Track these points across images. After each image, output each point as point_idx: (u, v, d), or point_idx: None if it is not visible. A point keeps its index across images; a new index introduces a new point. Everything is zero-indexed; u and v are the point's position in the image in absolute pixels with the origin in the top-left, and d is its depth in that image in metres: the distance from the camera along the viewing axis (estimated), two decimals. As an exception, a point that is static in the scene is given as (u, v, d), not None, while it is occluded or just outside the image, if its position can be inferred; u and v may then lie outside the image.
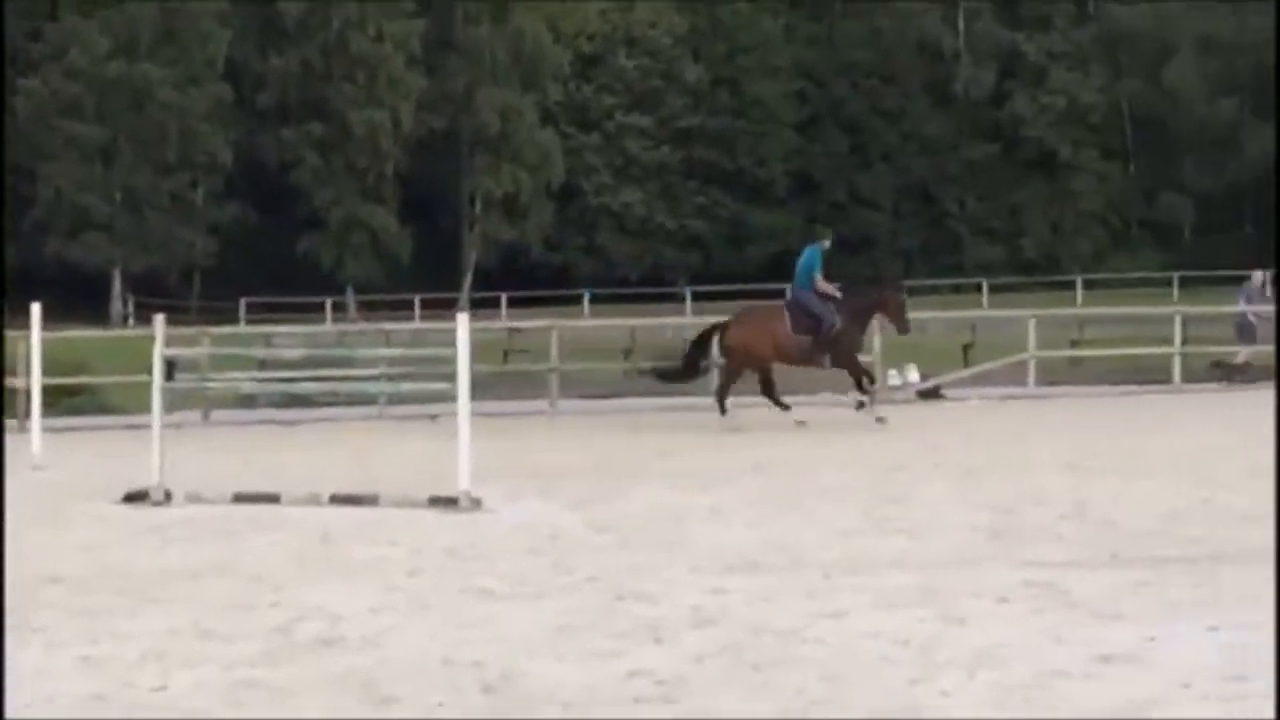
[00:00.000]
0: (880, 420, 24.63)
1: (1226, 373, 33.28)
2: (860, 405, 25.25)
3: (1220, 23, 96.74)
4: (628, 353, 40.61)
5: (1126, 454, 20.22)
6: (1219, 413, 26.58)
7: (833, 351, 25.75)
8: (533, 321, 41.12)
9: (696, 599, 11.08)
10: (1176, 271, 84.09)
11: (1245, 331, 34.77)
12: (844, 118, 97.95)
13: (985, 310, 63.52)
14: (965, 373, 33.42)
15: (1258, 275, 36.83)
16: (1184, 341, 33.39)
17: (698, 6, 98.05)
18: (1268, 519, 13.89)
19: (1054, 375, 33.13)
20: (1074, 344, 37.86)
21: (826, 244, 26.47)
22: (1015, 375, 31.99)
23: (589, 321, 59.72)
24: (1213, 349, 35.69)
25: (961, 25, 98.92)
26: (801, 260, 25.99)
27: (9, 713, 8.49)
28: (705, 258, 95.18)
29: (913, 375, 32.83)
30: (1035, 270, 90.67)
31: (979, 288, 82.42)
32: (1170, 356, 32.90)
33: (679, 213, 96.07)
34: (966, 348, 38.65)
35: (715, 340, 26.41)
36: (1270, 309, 34.99)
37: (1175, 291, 79.96)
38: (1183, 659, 9.13)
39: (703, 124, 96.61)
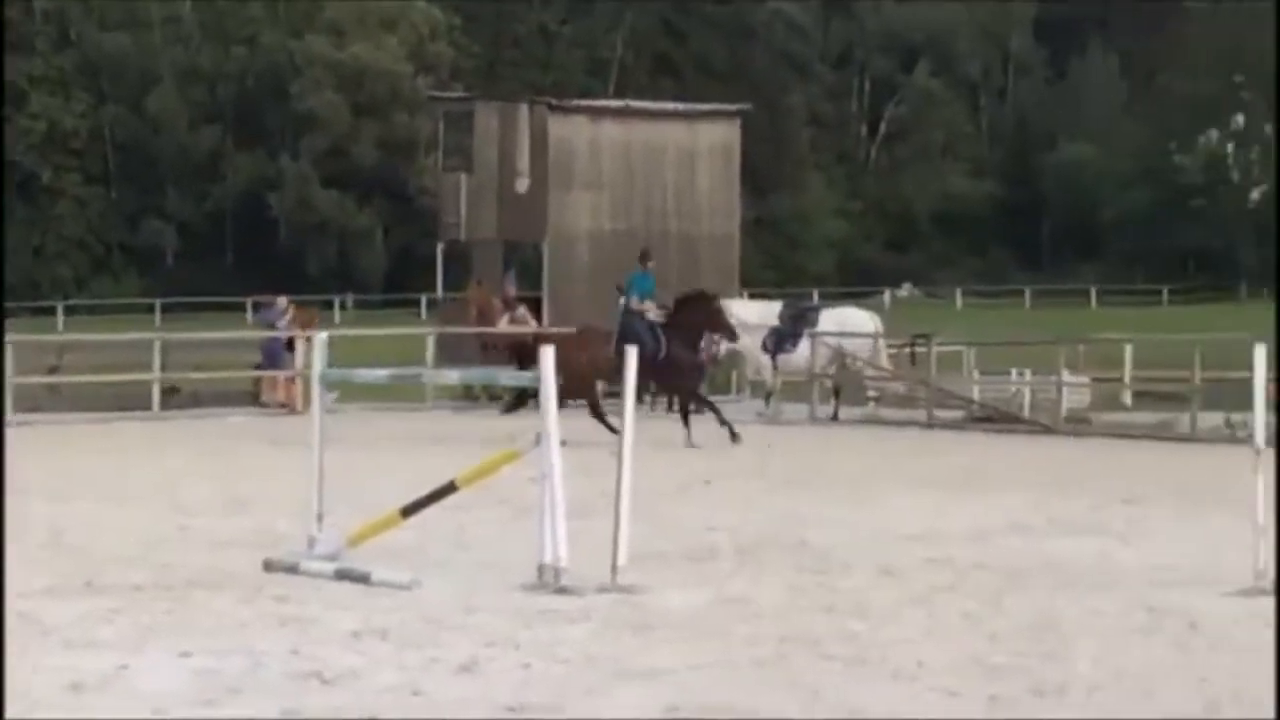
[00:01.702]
0: (694, 445, 24.39)
1: (166, 396, 33.67)
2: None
3: (199, 54, 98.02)
4: None
5: (105, 480, 19.99)
6: (187, 439, 26.72)
7: (656, 377, 25.45)
8: None
9: None
10: (160, 298, 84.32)
11: (274, 355, 34.96)
12: None
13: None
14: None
15: (282, 300, 37.15)
16: (164, 368, 33.40)
17: None
18: (242, 544, 14.01)
19: (33, 402, 32.40)
20: (52, 370, 37.12)
21: (650, 265, 26.33)
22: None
23: None
24: (242, 373, 35.98)
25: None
26: (627, 286, 25.75)
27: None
28: None
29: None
30: (17, 296, 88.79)
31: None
32: (152, 383, 32.82)
33: None
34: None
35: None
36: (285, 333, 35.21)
37: (157, 318, 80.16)
38: (155, 686, 9.01)
39: None
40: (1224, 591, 11.78)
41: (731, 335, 27.72)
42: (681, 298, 26.98)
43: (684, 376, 26.03)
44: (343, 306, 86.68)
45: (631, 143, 39.71)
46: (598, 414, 25.58)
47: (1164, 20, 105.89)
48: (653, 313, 26.13)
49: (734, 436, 25.02)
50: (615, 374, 26.27)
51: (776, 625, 10.69)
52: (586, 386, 25.86)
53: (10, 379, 31.22)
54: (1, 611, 10.51)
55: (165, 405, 32.84)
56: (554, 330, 34.72)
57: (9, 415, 30.14)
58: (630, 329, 25.67)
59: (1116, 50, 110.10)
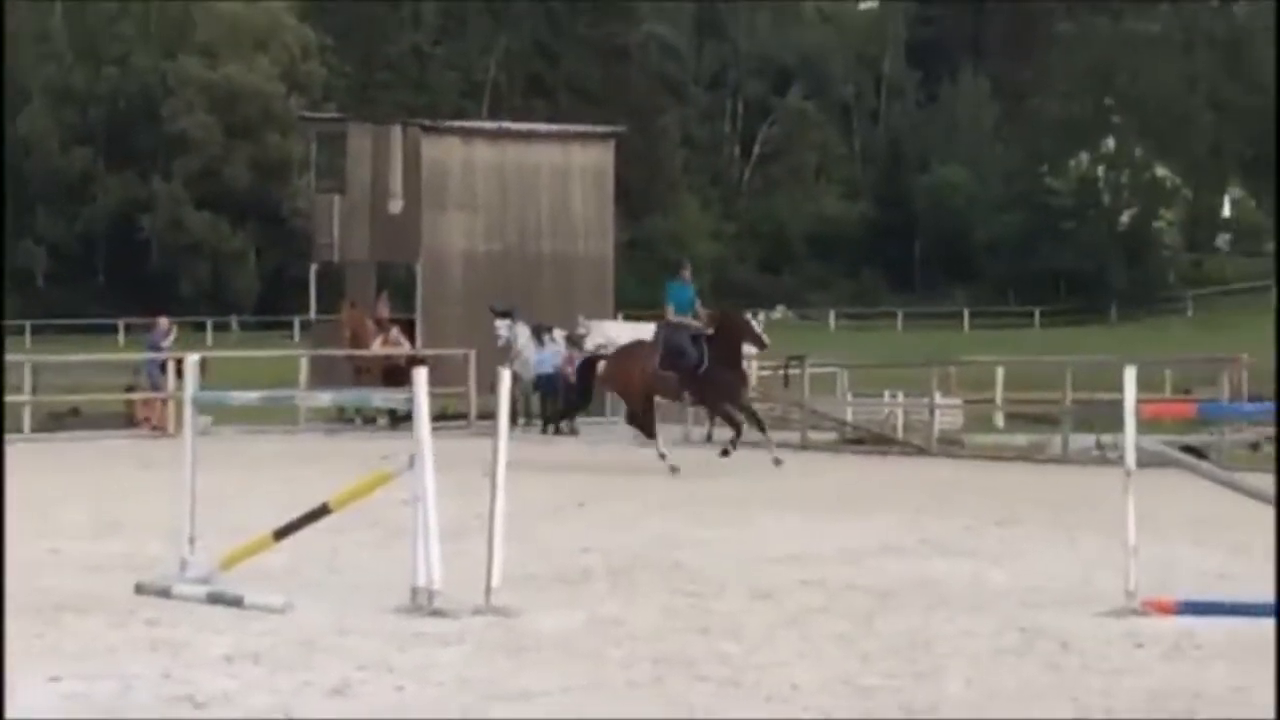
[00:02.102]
0: (778, 462, 24.03)
1: (57, 421, 33.48)
2: (725, 452, 24.48)
3: (71, 74, 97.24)
4: None
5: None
6: (60, 462, 26.43)
7: (696, 389, 24.90)
8: None
9: None
10: (30, 320, 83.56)
11: (154, 376, 34.67)
12: None
13: None
14: None
15: (163, 321, 36.86)
16: (35, 390, 33.17)
17: None
18: (113, 568, 13.88)
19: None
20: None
21: (686, 274, 25.50)
22: None
23: None
24: (116, 396, 35.77)
25: None
26: (670, 296, 25.17)
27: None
28: None
29: None
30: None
31: None
32: (23, 405, 32.50)
33: None
34: None
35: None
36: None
37: (28, 339, 79.36)
38: (25, 710, 8.91)
39: None
40: (1096, 612, 11.89)
41: (757, 338, 26.29)
42: (720, 314, 26.49)
43: (724, 390, 25.30)
44: (225, 328, 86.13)
45: (505, 164, 39.68)
46: (634, 421, 25.81)
47: (1035, 44, 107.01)
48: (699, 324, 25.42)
49: (725, 453, 24.69)
50: (662, 386, 25.82)
51: (650, 647, 10.70)
52: (637, 400, 25.63)
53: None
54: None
55: (64, 427, 32.80)
56: (429, 352, 34.64)
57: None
58: (673, 341, 25.16)
59: (988, 74, 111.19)
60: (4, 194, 79.71)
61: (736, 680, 9.74)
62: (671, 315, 25.52)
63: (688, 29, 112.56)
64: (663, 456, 24.50)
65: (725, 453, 24.73)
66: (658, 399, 25.72)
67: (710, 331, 25.25)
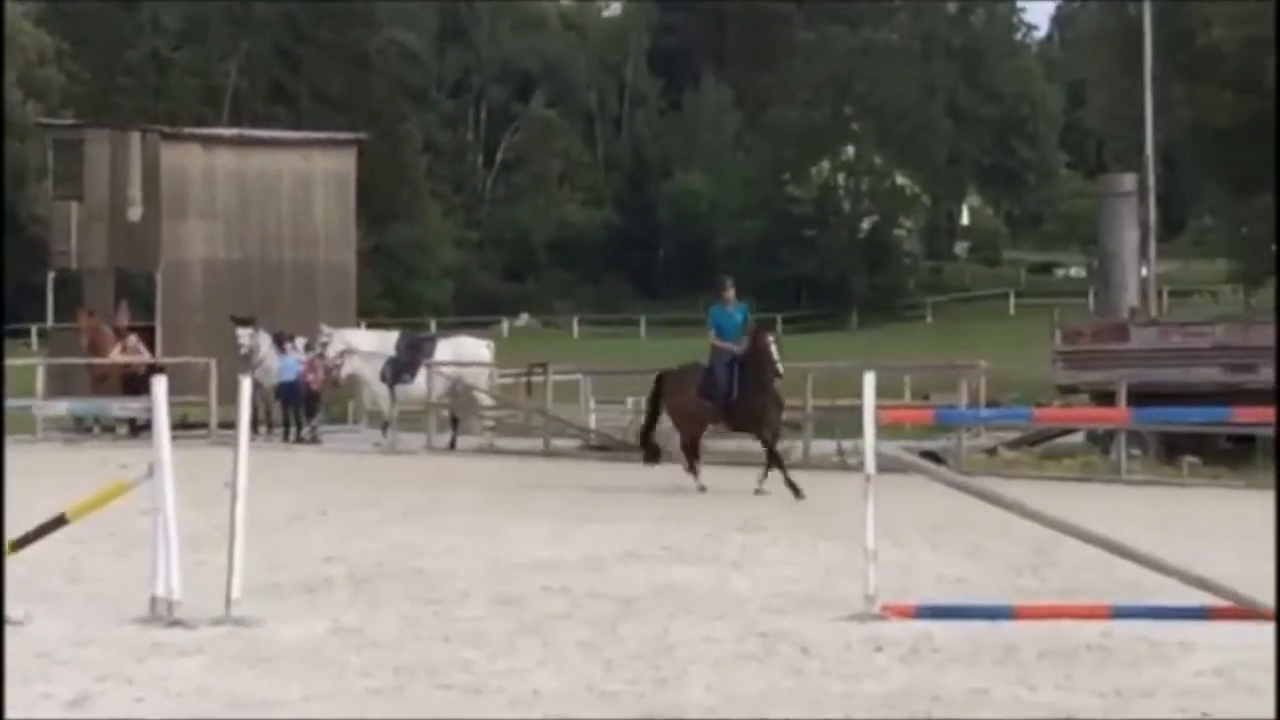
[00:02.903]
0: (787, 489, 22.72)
1: None
2: (758, 488, 23.04)
3: None
4: None
5: None
6: None
7: (727, 418, 23.79)
8: None
9: None
10: None
11: None
12: None
13: None
14: None
15: None
16: None
17: None
18: None
19: None
20: None
21: (729, 294, 24.16)
22: None
23: None
24: None
25: None
26: (712, 320, 24.08)
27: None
28: None
29: None
30: None
31: None
32: None
33: None
34: None
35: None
36: None
37: None
38: None
39: None
40: (836, 616, 12.03)
41: (775, 374, 24.27)
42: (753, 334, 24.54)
43: (753, 419, 23.91)
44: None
45: (246, 171, 39.31)
46: (686, 451, 24.62)
47: (776, 53, 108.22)
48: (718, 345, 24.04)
49: (797, 492, 22.82)
50: (702, 413, 24.55)
51: (392, 655, 10.66)
52: (688, 426, 24.65)
53: None
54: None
55: None
56: (169, 360, 34.18)
57: None
58: (712, 368, 24.01)
59: (730, 82, 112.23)
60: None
61: (478, 687, 9.73)
62: (713, 339, 24.19)
63: (430, 35, 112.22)
64: (702, 489, 23.57)
65: (763, 478, 23.48)
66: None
67: (735, 350, 23.94)
